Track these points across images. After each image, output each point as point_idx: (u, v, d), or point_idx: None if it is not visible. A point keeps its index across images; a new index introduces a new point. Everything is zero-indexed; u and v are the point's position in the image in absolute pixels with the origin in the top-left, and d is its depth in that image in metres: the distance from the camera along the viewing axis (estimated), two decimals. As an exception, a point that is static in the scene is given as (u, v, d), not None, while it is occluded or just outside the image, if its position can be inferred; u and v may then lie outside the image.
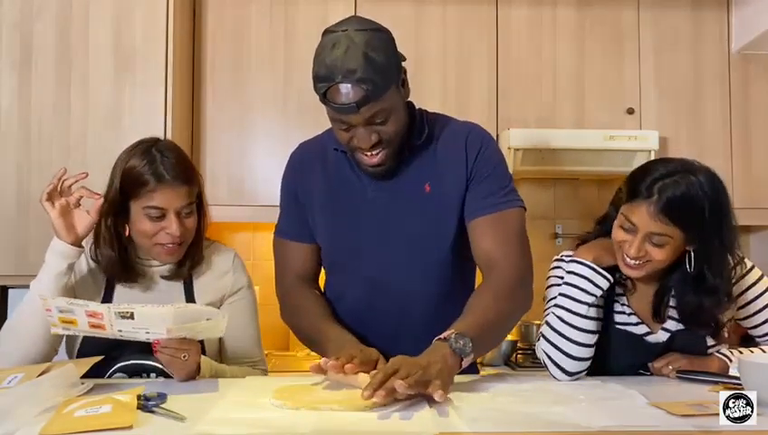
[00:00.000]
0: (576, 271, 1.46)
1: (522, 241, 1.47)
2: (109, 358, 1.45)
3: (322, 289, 1.63)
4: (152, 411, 1.09)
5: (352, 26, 1.36)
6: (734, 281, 1.46)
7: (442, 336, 1.27)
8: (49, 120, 2.33)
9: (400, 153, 1.47)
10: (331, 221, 1.53)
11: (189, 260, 1.58)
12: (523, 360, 2.63)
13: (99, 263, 1.54)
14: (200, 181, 1.58)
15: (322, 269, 1.64)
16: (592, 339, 1.43)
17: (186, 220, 1.52)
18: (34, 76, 2.33)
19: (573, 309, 1.43)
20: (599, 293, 1.43)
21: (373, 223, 1.49)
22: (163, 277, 1.58)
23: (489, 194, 1.46)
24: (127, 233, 1.55)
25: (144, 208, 1.48)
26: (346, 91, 1.33)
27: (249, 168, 2.63)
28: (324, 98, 1.36)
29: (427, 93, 2.67)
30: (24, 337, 1.46)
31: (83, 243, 1.51)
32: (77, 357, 1.49)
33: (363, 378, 1.17)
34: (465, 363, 1.26)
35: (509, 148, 2.59)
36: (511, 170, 2.56)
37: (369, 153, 1.41)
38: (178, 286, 1.58)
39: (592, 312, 1.43)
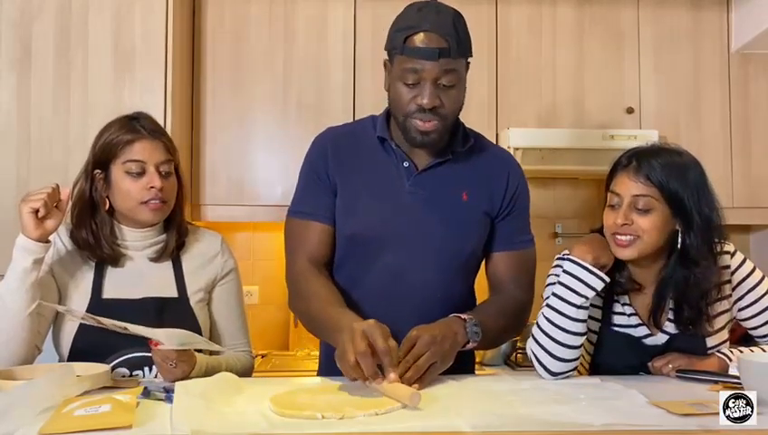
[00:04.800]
0: (570, 270, 1.44)
1: (532, 277, 1.61)
2: (109, 352, 1.45)
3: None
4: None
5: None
6: (719, 252, 1.46)
7: (462, 316, 1.40)
8: (49, 120, 2.33)
9: (445, 151, 1.53)
10: (362, 205, 1.53)
11: (176, 234, 1.59)
12: (523, 360, 2.63)
13: (80, 246, 1.54)
14: (177, 152, 1.62)
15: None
16: (579, 341, 1.42)
17: (165, 180, 1.55)
18: (34, 76, 2.33)
19: (562, 310, 1.42)
20: (590, 294, 1.42)
21: (405, 216, 1.51)
22: (151, 259, 1.58)
23: (516, 232, 1.59)
24: (107, 206, 1.55)
25: (124, 164, 1.52)
26: (429, 39, 1.39)
27: (249, 167, 2.62)
28: (404, 45, 1.40)
29: (427, 93, 2.67)
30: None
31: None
32: (70, 352, 1.49)
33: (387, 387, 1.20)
34: (467, 347, 1.40)
35: (509, 147, 2.58)
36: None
37: (424, 119, 1.43)
38: (168, 271, 1.59)
39: (581, 314, 1.42)
